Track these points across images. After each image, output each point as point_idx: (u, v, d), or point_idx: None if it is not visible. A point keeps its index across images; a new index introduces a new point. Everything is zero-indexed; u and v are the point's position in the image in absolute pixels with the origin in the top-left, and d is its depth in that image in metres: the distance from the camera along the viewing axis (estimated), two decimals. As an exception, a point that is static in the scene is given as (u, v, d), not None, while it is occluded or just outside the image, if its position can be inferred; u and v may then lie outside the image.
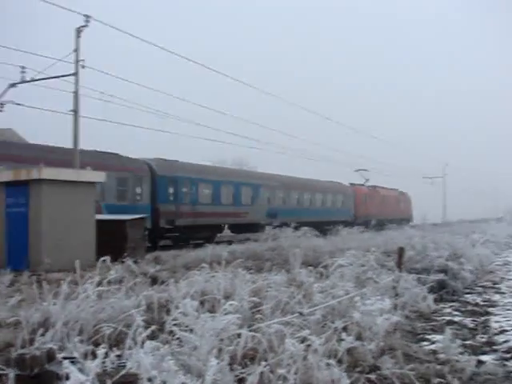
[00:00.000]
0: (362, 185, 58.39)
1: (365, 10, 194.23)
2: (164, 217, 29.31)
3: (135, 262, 12.25)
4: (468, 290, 13.77)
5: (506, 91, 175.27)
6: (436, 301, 11.55)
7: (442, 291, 12.72)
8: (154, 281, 11.09)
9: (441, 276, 13.15)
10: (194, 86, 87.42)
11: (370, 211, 54.86)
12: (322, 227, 33.32)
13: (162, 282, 10.09)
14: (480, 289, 14.18)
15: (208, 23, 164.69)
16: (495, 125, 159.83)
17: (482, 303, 12.08)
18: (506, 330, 9.32)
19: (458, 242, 20.13)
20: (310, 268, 10.98)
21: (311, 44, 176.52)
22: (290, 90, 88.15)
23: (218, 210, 33.48)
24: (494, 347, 8.32)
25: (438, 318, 10.33)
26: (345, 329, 7.15)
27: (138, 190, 28.36)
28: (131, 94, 27.27)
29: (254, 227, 32.92)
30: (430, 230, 29.92)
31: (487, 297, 12.93)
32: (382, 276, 10.88)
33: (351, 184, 56.70)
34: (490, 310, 11.36)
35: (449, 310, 11.24)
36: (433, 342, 8.43)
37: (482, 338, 8.95)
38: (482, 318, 10.47)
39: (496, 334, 9.12)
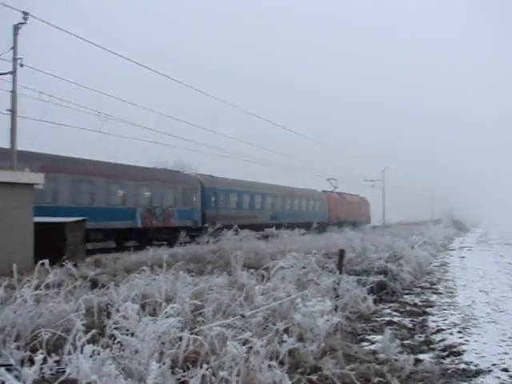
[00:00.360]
0: (332, 192, 64.92)
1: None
2: (209, 219, 37.73)
3: (75, 265, 12.02)
4: (407, 291, 14.08)
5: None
6: (376, 302, 11.76)
7: (381, 292, 12.95)
8: (94, 284, 10.87)
9: (380, 277, 13.38)
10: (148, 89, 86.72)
11: (339, 214, 62.60)
12: (307, 227, 39.30)
13: (103, 286, 9.90)
14: (418, 289, 14.51)
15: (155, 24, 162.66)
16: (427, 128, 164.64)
17: (420, 303, 12.36)
18: (443, 329, 9.57)
19: (398, 244, 20.57)
20: (252, 270, 10.95)
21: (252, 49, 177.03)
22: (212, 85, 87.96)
23: (240, 214, 42.55)
24: (432, 346, 8.56)
25: (378, 319, 10.53)
26: (286, 330, 7.21)
27: (194, 199, 37.22)
28: (72, 94, 26.70)
29: (261, 227, 39.59)
30: (370, 233, 30.41)
31: (425, 297, 13.24)
32: (322, 278, 10.97)
33: (323, 191, 63.35)
34: (428, 310, 11.65)
35: (388, 311, 11.47)
36: (373, 343, 8.59)
37: (420, 337, 9.18)
38: (420, 318, 10.73)
39: (433, 333, 9.37)
